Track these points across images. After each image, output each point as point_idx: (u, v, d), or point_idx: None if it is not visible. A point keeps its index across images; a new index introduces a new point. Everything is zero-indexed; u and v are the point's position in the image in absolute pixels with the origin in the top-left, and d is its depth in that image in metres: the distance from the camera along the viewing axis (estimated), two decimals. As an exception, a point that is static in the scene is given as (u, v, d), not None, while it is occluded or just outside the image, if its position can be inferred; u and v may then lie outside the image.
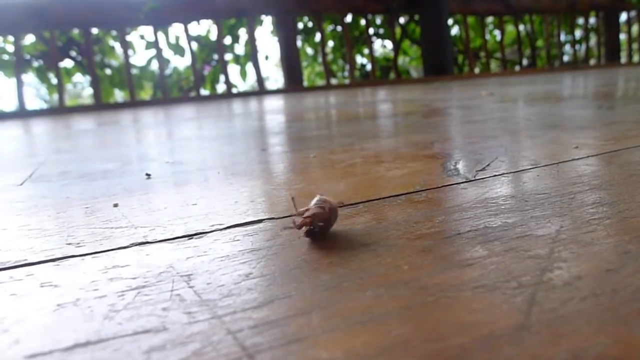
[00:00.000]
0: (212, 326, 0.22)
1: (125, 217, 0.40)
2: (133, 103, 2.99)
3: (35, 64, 4.10)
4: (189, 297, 0.25)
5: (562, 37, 4.67)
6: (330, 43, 4.99)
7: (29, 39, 3.88)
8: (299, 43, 4.34)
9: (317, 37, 4.58)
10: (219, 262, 0.29)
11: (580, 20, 4.71)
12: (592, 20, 4.80)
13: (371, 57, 3.90)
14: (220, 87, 4.53)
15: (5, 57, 3.79)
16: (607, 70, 3.25)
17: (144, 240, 0.34)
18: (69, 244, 0.34)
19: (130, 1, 3.12)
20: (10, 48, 3.56)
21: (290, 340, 0.20)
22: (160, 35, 3.50)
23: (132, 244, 0.33)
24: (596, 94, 1.55)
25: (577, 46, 4.85)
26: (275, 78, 6.30)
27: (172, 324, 0.22)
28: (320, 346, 0.19)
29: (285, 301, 0.24)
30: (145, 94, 4.69)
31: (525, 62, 4.74)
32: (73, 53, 4.21)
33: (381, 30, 4.93)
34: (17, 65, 2.99)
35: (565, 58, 5.09)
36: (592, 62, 4.82)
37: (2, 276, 0.29)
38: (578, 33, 4.95)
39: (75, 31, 3.88)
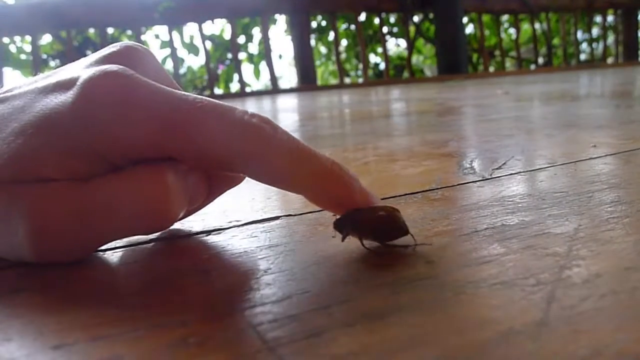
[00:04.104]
0: (233, 320, 0.22)
1: (144, 213, 0.41)
2: (148, 102, 3.02)
3: (52, 63, 4.16)
4: (209, 292, 0.25)
5: (579, 36, 4.62)
6: (344, 42, 4.99)
7: (46, 38, 3.93)
8: (312, 42, 4.34)
9: (331, 36, 4.58)
10: (238, 257, 0.30)
11: (598, 18, 4.65)
12: (610, 18, 4.73)
13: (385, 55, 3.89)
14: (234, 86, 4.56)
15: (23, 56, 3.85)
16: (625, 69, 3.21)
17: (163, 237, 0.34)
18: (91, 239, 0.34)
19: (145, 1, 3.15)
20: (28, 48, 3.62)
21: (310, 334, 0.20)
22: (175, 35, 3.53)
23: (152, 240, 0.34)
24: (614, 93, 1.53)
25: (594, 44, 4.79)
26: (288, 77, 6.30)
27: (194, 319, 0.22)
28: (340, 340, 0.20)
29: (305, 296, 0.24)
30: (160, 93, 4.73)
31: (541, 60, 4.69)
32: (89, 52, 4.27)
33: (395, 29, 4.92)
34: (34, 65, 3.04)
35: (582, 56, 5.03)
36: (610, 60, 4.75)
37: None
38: (595, 31, 4.89)
39: (91, 31, 3.93)
